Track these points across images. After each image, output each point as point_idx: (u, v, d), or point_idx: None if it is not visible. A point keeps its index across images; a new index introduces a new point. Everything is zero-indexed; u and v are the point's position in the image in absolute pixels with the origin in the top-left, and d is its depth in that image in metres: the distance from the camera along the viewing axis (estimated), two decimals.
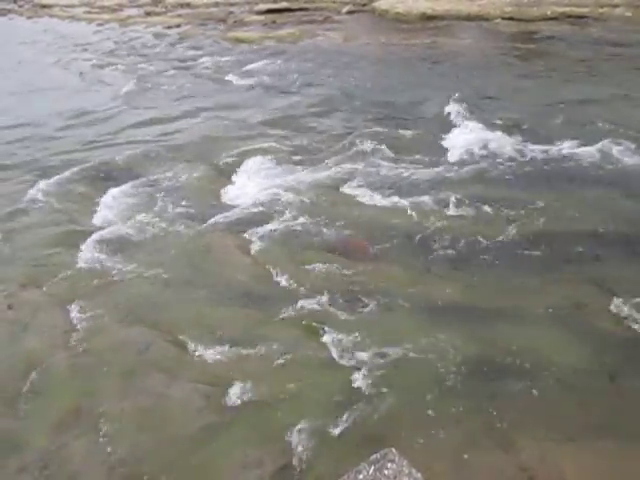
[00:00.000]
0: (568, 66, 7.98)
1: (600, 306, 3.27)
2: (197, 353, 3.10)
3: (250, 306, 3.47)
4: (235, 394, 2.81)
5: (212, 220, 4.50)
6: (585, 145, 5.14)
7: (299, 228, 4.28)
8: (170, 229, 4.43)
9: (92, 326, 3.42)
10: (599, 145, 5.07)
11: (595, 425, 2.61)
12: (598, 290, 3.41)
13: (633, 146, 5.01)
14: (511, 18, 11.12)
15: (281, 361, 3.00)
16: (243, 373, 2.93)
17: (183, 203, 4.84)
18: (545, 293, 3.43)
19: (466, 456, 2.45)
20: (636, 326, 3.08)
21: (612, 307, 3.22)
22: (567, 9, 11.08)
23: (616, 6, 10.92)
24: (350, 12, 14.57)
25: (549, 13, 11.02)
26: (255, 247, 4.09)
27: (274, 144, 5.97)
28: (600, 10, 10.80)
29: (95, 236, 4.36)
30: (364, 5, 14.95)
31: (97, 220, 4.71)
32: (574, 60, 8.22)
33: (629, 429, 2.58)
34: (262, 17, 15.39)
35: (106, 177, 5.57)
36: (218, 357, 3.06)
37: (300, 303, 3.41)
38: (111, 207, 4.86)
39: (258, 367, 2.97)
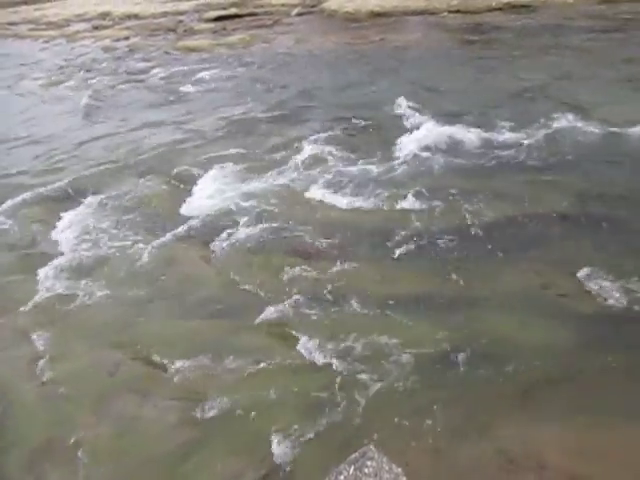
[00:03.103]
0: (515, 55, 8.17)
1: (565, 286, 3.34)
2: (168, 370, 3.05)
3: (218, 317, 3.43)
4: (210, 407, 2.78)
5: (173, 233, 4.44)
6: (536, 130, 5.27)
7: (262, 234, 4.26)
8: (131, 246, 4.35)
9: (58, 353, 3.33)
10: (549, 129, 5.21)
11: (568, 403, 2.67)
12: (562, 270, 3.49)
13: (581, 128, 5.16)
14: (457, 11, 11.33)
15: (254, 369, 2.97)
16: (217, 385, 2.89)
17: (143, 218, 4.77)
18: (510, 276, 3.50)
19: (444, 446, 2.48)
20: (601, 303, 3.17)
21: (577, 286, 3.30)
22: None
23: None
24: (300, 14, 14.61)
25: (494, 4, 11.26)
26: (219, 257, 4.05)
27: (232, 151, 5.93)
28: None
29: (54, 260, 4.24)
30: (313, 6, 15.00)
31: (55, 243, 4.59)
32: (520, 48, 8.42)
33: (600, 404, 2.65)
34: (212, 24, 15.28)
35: (62, 197, 5.44)
36: (190, 372, 3.01)
37: (269, 309, 3.39)
38: (69, 228, 4.74)
39: (231, 378, 2.94)
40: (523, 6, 10.88)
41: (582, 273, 3.37)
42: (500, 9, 10.97)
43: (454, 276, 3.53)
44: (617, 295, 3.18)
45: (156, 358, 3.15)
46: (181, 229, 4.48)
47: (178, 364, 3.07)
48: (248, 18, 15.27)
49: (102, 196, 5.28)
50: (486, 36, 9.50)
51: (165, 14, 18.24)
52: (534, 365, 2.83)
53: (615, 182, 4.38)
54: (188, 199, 5.04)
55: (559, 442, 2.49)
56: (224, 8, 16.89)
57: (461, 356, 2.91)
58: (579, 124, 5.22)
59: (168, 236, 4.41)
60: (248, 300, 3.54)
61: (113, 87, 10.02)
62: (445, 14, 11.32)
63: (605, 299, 3.18)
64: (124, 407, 2.89)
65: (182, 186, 5.31)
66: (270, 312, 3.36)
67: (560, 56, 7.77)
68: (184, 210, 4.86)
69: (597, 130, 5.13)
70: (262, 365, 2.99)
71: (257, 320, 3.32)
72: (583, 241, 3.72)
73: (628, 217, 3.92)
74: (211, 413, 2.76)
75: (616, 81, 6.55)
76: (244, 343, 3.16)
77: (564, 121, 5.28)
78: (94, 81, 10.74)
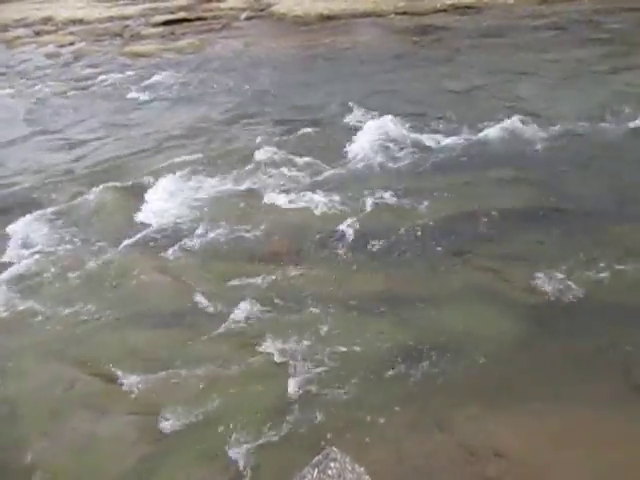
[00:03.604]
0: (461, 55, 8.38)
1: (515, 280, 3.46)
2: (125, 383, 2.99)
3: (176, 327, 3.39)
4: (170, 419, 2.74)
5: (127, 243, 4.35)
6: (482, 129, 5.42)
7: (218, 240, 4.23)
8: (83, 258, 4.24)
9: (9, 371, 3.22)
10: (495, 128, 5.36)
11: (521, 392, 2.77)
12: (512, 265, 3.61)
13: (525, 126, 5.33)
14: (404, 13, 11.51)
15: (212, 378, 2.95)
16: (175, 396, 2.86)
17: (95, 229, 4.66)
18: (463, 273, 3.60)
19: (405, 442, 2.53)
20: (548, 295, 3.29)
21: (526, 280, 3.42)
22: (455, 1, 11.61)
23: None
24: (249, 18, 14.53)
25: (439, 6, 11.49)
26: (175, 265, 4.00)
27: (185, 157, 5.86)
28: (485, 0, 11.41)
29: (3, 274, 4.10)
30: (262, 10, 14.96)
31: (3, 256, 4.43)
32: (466, 48, 8.64)
33: (552, 391, 2.75)
34: (160, 29, 15.02)
35: (9, 209, 5.25)
36: (148, 384, 2.96)
37: (228, 316, 3.37)
38: (17, 242, 4.58)
39: (191, 388, 2.91)
40: (467, 7, 11.16)
41: (531, 267, 3.49)
42: (445, 10, 11.22)
43: (409, 274, 3.60)
44: (563, 287, 3.32)
45: (112, 372, 3.08)
46: (135, 238, 4.40)
47: (135, 377, 3.01)
48: (197, 22, 15.08)
49: (51, 207, 5.12)
50: (432, 37, 9.70)
51: (111, 19, 17.81)
52: (488, 358, 2.92)
53: (560, 178, 4.55)
54: (141, 207, 4.94)
55: (515, 431, 2.58)
56: (172, 12, 16.63)
57: (417, 353, 2.97)
58: (524, 122, 5.38)
59: (122, 246, 4.32)
60: (205, 308, 3.51)
61: (59, 95, 9.73)
62: (392, 16, 11.48)
63: (552, 291, 3.30)
64: (80, 424, 2.81)
65: (135, 194, 5.21)
66: (227, 319, 3.34)
67: (504, 55, 8.00)
68: (138, 219, 4.77)
69: (540, 128, 5.31)
70: (220, 373, 2.97)
71: (214, 328, 3.29)
72: (531, 236, 3.86)
73: (573, 212, 4.09)
74: (171, 425, 2.72)
75: (557, 79, 6.79)
76: (202, 352, 3.13)
77: (509, 120, 5.44)
78: (38, 89, 10.41)
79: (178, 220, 4.58)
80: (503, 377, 2.83)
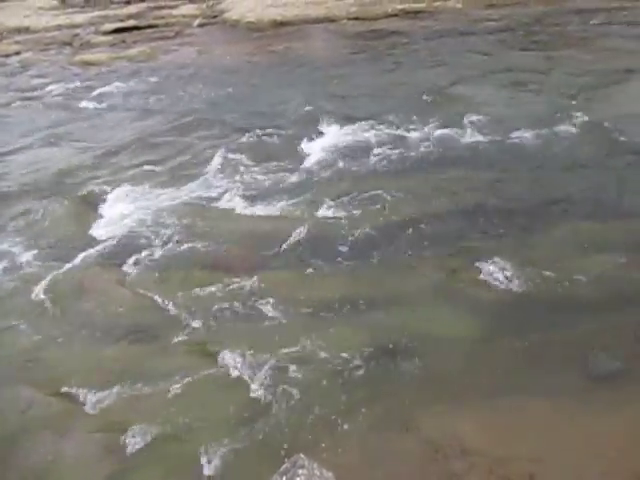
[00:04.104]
0: (413, 58, 8.53)
1: (471, 277, 3.54)
2: (88, 401, 2.91)
3: (136, 341, 3.32)
4: (135, 436, 2.68)
5: (82, 257, 4.23)
6: (438, 130, 5.54)
7: (178, 250, 4.18)
8: (37, 274, 4.11)
9: None
10: (451, 128, 5.48)
11: (484, 387, 2.82)
12: (468, 262, 3.68)
13: (477, 128, 5.48)
14: (356, 18, 11.65)
15: (179, 391, 2.90)
16: (140, 412, 2.80)
17: (47, 243, 4.52)
18: (421, 272, 3.66)
19: (372, 444, 2.54)
20: (505, 290, 3.38)
21: (482, 276, 3.51)
22: (406, 6, 11.83)
23: (447, 0, 11.84)
24: (201, 25, 14.42)
25: (390, 10, 11.69)
26: (134, 278, 3.92)
27: (141, 167, 5.77)
28: (434, 4, 11.67)
29: None
30: (215, 17, 14.87)
31: None
32: (418, 52, 8.80)
33: (514, 385, 2.82)
34: (110, 37, 14.74)
35: None
36: (111, 401, 2.89)
37: (190, 327, 3.33)
38: None
39: (154, 402, 2.85)
40: (417, 12, 11.39)
41: (482, 264, 3.58)
42: (396, 15, 11.42)
43: (368, 277, 3.64)
44: (518, 283, 3.41)
45: (72, 391, 2.99)
46: (91, 252, 4.29)
47: (96, 395, 2.93)
48: (148, 30, 14.86)
49: (1, 223, 4.96)
50: (385, 41, 9.84)
51: (59, 27, 17.37)
52: (449, 355, 2.98)
53: (509, 177, 4.68)
54: (97, 220, 4.84)
55: (479, 426, 2.63)
56: (122, 20, 16.35)
57: (380, 354, 3.00)
58: (474, 124, 5.53)
59: (77, 260, 4.21)
60: (167, 320, 3.45)
61: (5, 106, 9.43)
62: (345, 21, 11.60)
63: (508, 287, 3.40)
64: (40, 447, 2.72)
65: (90, 207, 5.09)
66: (190, 330, 3.30)
67: (455, 59, 8.19)
68: (93, 232, 4.66)
69: (490, 129, 5.46)
70: (185, 385, 2.93)
71: (177, 340, 3.25)
72: (483, 234, 3.96)
73: (523, 209, 4.21)
74: (136, 442, 2.66)
75: (506, 81, 6.99)
76: (163, 365, 3.08)
77: (461, 121, 5.58)
78: None
79: (135, 231, 4.50)
80: (465, 374, 2.89)
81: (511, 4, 11.21)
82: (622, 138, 5.08)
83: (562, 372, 2.86)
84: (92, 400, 2.92)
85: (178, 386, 2.94)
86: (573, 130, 5.30)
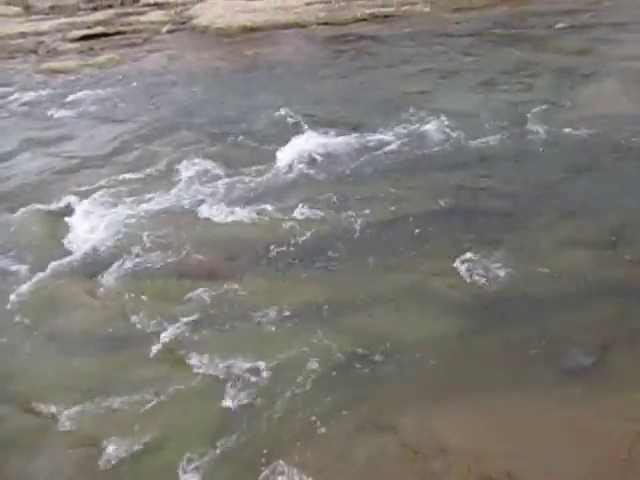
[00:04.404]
0: (382, 62, 8.60)
1: (445, 277, 3.57)
2: (60, 416, 2.84)
3: (110, 352, 3.27)
4: (110, 450, 2.63)
5: (53, 268, 4.15)
6: (409, 133, 5.58)
7: (152, 259, 4.12)
8: (6, 287, 4.02)
9: None
10: (421, 131, 5.54)
11: (461, 386, 2.85)
12: (440, 263, 3.72)
13: (446, 130, 5.54)
14: (326, 23, 11.70)
15: (154, 402, 2.86)
16: (115, 425, 2.74)
17: (17, 255, 4.41)
18: (397, 274, 3.68)
19: (352, 447, 2.54)
20: (478, 289, 3.42)
21: (455, 276, 3.54)
22: (374, 10, 11.93)
23: (415, 4, 11.99)
24: (170, 31, 14.31)
25: (359, 15, 11.78)
26: (107, 289, 3.86)
27: (113, 176, 5.68)
28: (403, 8, 11.79)
29: None
30: (184, 23, 14.77)
31: None
32: (387, 56, 8.88)
33: (491, 382, 2.85)
34: (77, 44, 14.52)
35: None
36: (84, 416, 2.83)
37: (163, 337, 3.28)
38: None
39: (129, 415, 2.80)
40: (386, 16, 11.49)
41: (458, 264, 3.61)
42: (365, 20, 11.50)
43: (343, 281, 3.65)
44: (491, 282, 3.46)
45: (44, 407, 2.92)
46: (62, 263, 4.21)
47: (70, 410, 2.87)
48: (116, 37, 14.69)
49: None
50: (354, 46, 9.90)
51: (23, 35, 17.03)
52: (426, 356, 2.99)
53: (480, 178, 4.75)
54: (68, 230, 4.75)
55: (457, 425, 2.65)
56: (89, 27, 16.12)
57: (356, 357, 3.01)
58: (446, 126, 5.59)
59: (48, 272, 4.12)
60: (140, 331, 3.40)
61: None
62: (314, 26, 11.64)
63: (481, 286, 3.44)
64: (11, 465, 2.65)
65: (60, 217, 4.99)
66: (165, 339, 3.25)
67: (423, 62, 8.28)
68: (64, 243, 4.57)
69: (459, 130, 5.52)
70: (161, 396, 2.89)
71: (152, 350, 3.20)
72: (457, 235, 3.99)
73: (494, 209, 4.26)
74: (112, 456, 2.61)
75: (474, 83, 7.09)
76: (138, 376, 3.03)
77: (431, 124, 5.64)
78: None
79: (106, 241, 4.43)
80: (443, 373, 2.91)
81: (477, 7, 11.40)
82: (589, 137, 5.19)
83: (537, 368, 2.90)
84: (65, 415, 2.85)
85: (153, 397, 2.90)
86: (541, 130, 5.40)
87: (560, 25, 9.58)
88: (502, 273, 3.50)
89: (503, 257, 3.64)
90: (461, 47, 8.86)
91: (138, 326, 3.45)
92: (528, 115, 5.72)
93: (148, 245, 4.28)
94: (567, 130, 5.33)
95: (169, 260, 4.09)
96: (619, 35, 8.59)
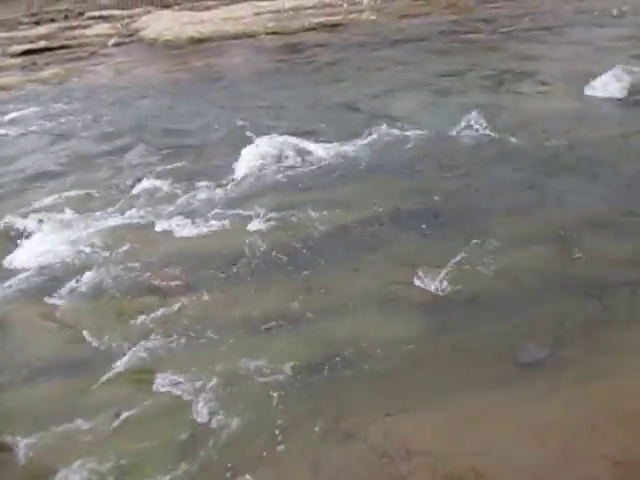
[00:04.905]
0: (332, 70, 8.70)
1: (405, 281, 3.62)
2: (14, 449, 2.73)
3: (70, 377, 3.16)
4: (73, 478, 2.56)
5: (4, 290, 4.01)
6: (361, 138, 5.67)
7: (109, 278, 4.03)
8: None
9: None
10: (373, 136, 5.63)
11: (424, 388, 2.89)
12: (400, 268, 3.78)
13: (401, 135, 5.65)
14: (275, 33, 11.76)
15: (117, 424, 2.79)
16: (75, 453, 2.65)
17: None
18: (357, 281, 3.71)
19: (320, 456, 2.54)
20: (437, 292, 3.49)
21: (415, 280, 3.60)
22: (323, 19, 12.08)
23: (362, 12, 12.19)
24: (117, 44, 14.09)
25: (307, 24, 11.90)
26: (62, 311, 3.75)
27: (63, 194, 5.54)
28: (350, 17, 11.98)
29: None
30: (131, 35, 14.58)
31: None
32: (336, 64, 8.98)
33: (451, 382, 2.91)
34: (19, 59, 14.12)
35: None
36: (41, 445, 2.71)
37: (125, 357, 3.21)
38: None
39: (90, 440, 2.72)
40: (334, 25, 11.64)
41: (418, 268, 3.68)
42: (314, 29, 11.61)
43: (306, 289, 3.65)
44: (448, 283, 3.53)
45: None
46: (13, 285, 4.07)
47: (26, 440, 2.75)
48: (61, 51, 14.35)
49: None
50: (304, 55, 9.98)
51: None
52: (389, 360, 3.03)
53: (433, 181, 4.85)
54: (17, 251, 4.60)
55: (422, 427, 2.69)
56: (32, 41, 15.70)
57: (321, 365, 3.02)
58: (395, 131, 5.70)
59: None
60: (100, 352, 3.31)
61: None
62: (263, 36, 11.68)
63: (438, 288, 3.51)
64: None
65: (10, 237, 4.84)
66: (126, 359, 3.18)
67: (372, 69, 8.42)
68: (14, 264, 4.42)
69: (410, 135, 5.64)
70: (123, 417, 2.82)
71: (111, 371, 3.12)
72: (413, 238, 4.07)
73: (447, 212, 4.37)
74: None
75: (421, 88, 7.25)
76: (100, 398, 2.95)
77: (385, 129, 5.74)
78: None
79: (60, 261, 4.31)
80: (405, 376, 2.95)
81: (422, 14, 11.68)
82: (533, 138, 5.39)
83: (495, 365, 2.98)
84: (23, 445, 2.75)
85: (115, 420, 2.83)
86: (487, 133, 5.56)
87: (503, 29, 9.91)
88: (458, 274, 3.59)
89: (458, 259, 3.73)
90: (408, 53, 9.06)
91: (98, 347, 3.36)
92: (475, 118, 5.88)
93: (104, 263, 4.19)
94: (512, 132, 5.52)
95: (127, 277, 4.02)
96: (556, 38, 8.97)
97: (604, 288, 3.40)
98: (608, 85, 6.36)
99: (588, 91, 6.38)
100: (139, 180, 5.53)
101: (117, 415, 2.83)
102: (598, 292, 3.37)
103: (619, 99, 6.11)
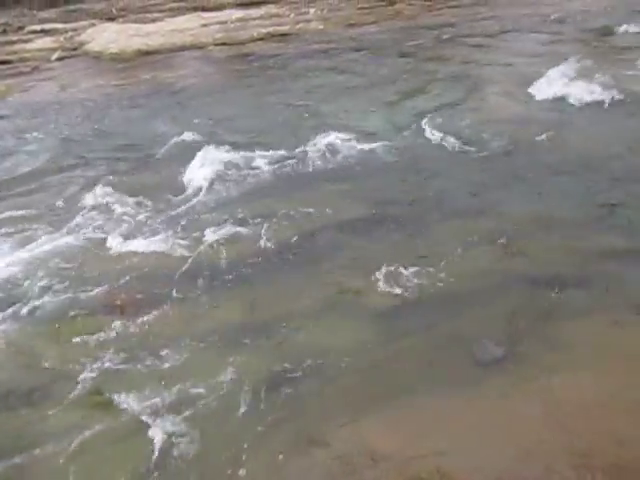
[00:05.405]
0: (282, 79, 8.72)
1: (362, 286, 3.66)
2: None
3: (24, 404, 3.04)
4: None
5: None
6: (313, 146, 5.69)
7: (59, 298, 3.90)
8: None
9: None
10: (324, 143, 5.68)
11: (386, 392, 2.92)
12: (357, 273, 3.81)
13: (350, 140, 5.71)
14: (223, 43, 11.69)
15: (74, 450, 2.70)
16: None
17: None
18: (317, 287, 3.72)
19: (285, 466, 2.53)
20: (395, 295, 3.53)
21: (371, 285, 3.64)
22: (271, 29, 12.09)
23: (309, 21, 12.29)
24: (61, 58, 13.70)
25: (255, 35, 11.88)
26: (11, 336, 3.59)
27: (7, 213, 5.33)
28: (297, 26, 12.04)
29: None
30: (75, 49, 14.20)
31: None
32: (286, 73, 9.01)
33: (412, 384, 2.95)
34: None
35: None
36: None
37: (82, 379, 3.11)
38: None
39: (50, 468, 2.62)
40: (282, 35, 11.67)
41: (374, 272, 3.72)
42: (262, 39, 11.61)
43: (262, 300, 3.64)
44: (404, 286, 3.59)
45: None
46: None
47: None
48: (1, 67, 13.88)
49: None
50: (253, 65, 9.97)
51: None
52: (350, 366, 3.05)
53: (384, 185, 4.92)
54: None
55: (386, 431, 2.71)
56: None
57: (283, 375, 3.01)
58: (345, 138, 5.75)
59: None
60: (56, 376, 3.19)
61: None
62: (212, 47, 11.59)
63: (396, 292, 3.56)
64: None
65: None
66: (79, 382, 3.08)
67: (321, 77, 8.48)
68: None
69: (359, 142, 5.71)
70: (80, 443, 2.73)
71: (66, 395, 3.01)
72: (368, 245, 4.12)
73: (399, 216, 4.43)
74: None
75: (369, 96, 7.35)
76: (56, 425, 2.85)
77: (334, 137, 5.78)
78: None
79: (7, 283, 4.14)
80: (366, 382, 2.97)
81: (368, 23, 11.86)
82: (479, 140, 5.53)
83: (454, 364, 3.03)
84: None
85: (73, 445, 2.73)
86: (435, 136, 5.68)
87: (446, 36, 10.16)
88: (413, 278, 3.64)
89: (412, 262, 3.79)
90: (356, 61, 9.17)
91: (52, 371, 3.24)
92: (423, 123, 6.01)
93: (54, 284, 4.05)
94: (460, 136, 5.66)
95: (80, 297, 3.89)
96: (498, 43, 9.27)
97: (551, 284, 3.52)
98: (549, 87, 6.61)
99: (531, 94, 6.60)
100: (86, 198, 5.37)
101: (74, 441, 2.73)
102: (546, 288, 3.49)
103: (560, 101, 6.34)
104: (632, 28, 9.03)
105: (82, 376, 3.16)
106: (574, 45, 8.47)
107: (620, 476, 2.41)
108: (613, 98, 6.20)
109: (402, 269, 3.71)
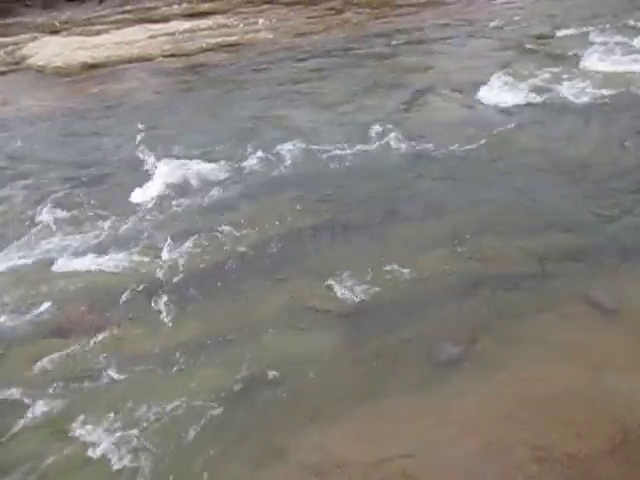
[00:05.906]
0: (233, 89, 8.68)
1: (321, 294, 3.68)
2: None
3: None
4: None
5: None
6: (268, 156, 5.68)
7: (9, 322, 3.76)
8: None
9: None
10: (279, 153, 5.67)
11: (348, 399, 2.94)
12: (316, 281, 3.83)
13: (304, 150, 5.73)
14: (172, 55, 11.54)
15: (33, 477, 2.60)
16: None
17: None
18: (275, 296, 3.72)
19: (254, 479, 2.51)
20: (355, 301, 3.56)
21: (330, 292, 3.67)
22: (220, 39, 12.02)
23: (258, 31, 12.30)
24: (2, 73, 13.28)
25: (205, 45, 11.78)
26: None
27: None
28: (247, 36, 12.02)
29: None
30: (17, 63, 13.77)
31: None
32: (236, 83, 8.97)
33: (374, 388, 2.99)
34: None
35: None
36: None
37: (36, 406, 3.01)
38: None
39: None
40: (232, 45, 11.61)
41: (332, 279, 3.75)
42: (212, 49, 11.52)
43: (222, 315, 3.60)
44: (364, 291, 3.63)
45: None
46: None
47: None
48: None
49: None
50: (203, 75, 9.88)
51: None
52: (313, 374, 3.06)
53: (342, 192, 4.95)
54: None
55: (350, 437, 2.73)
56: None
57: (246, 388, 3.01)
58: (302, 147, 5.77)
59: None
60: (8, 404, 3.08)
61: None
62: (161, 59, 11.43)
63: (356, 297, 3.60)
64: None
65: None
66: (32, 409, 2.98)
67: (273, 86, 8.49)
68: None
69: (317, 150, 5.73)
70: (41, 469, 2.63)
71: (18, 423, 2.91)
72: (327, 251, 4.15)
73: (354, 222, 4.48)
74: None
75: (323, 105, 7.39)
76: (13, 454, 2.75)
77: (288, 146, 5.80)
78: None
79: None
80: (327, 389, 2.99)
81: (317, 32, 11.94)
82: (431, 146, 5.64)
83: (414, 366, 3.09)
84: None
85: (32, 472, 2.64)
86: (389, 143, 5.77)
87: (394, 42, 10.35)
88: (371, 281, 3.69)
89: (369, 265, 3.83)
90: (307, 70, 9.22)
91: (4, 399, 3.12)
92: (375, 128, 6.08)
93: (5, 306, 3.90)
94: (414, 142, 5.75)
95: (31, 320, 3.76)
96: (446, 48, 9.50)
97: (505, 284, 3.62)
98: (493, 91, 6.83)
99: (478, 98, 6.80)
100: (36, 216, 5.20)
101: (30, 472, 2.64)
102: (500, 288, 3.59)
103: (504, 104, 6.55)
104: (570, 32, 9.43)
105: (35, 403, 3.05)
106: (516, 50, 8.76)
107: (580, 467, 2.50)
108: (553, 99, 6.47)
109: (361, 274, 3.75)
